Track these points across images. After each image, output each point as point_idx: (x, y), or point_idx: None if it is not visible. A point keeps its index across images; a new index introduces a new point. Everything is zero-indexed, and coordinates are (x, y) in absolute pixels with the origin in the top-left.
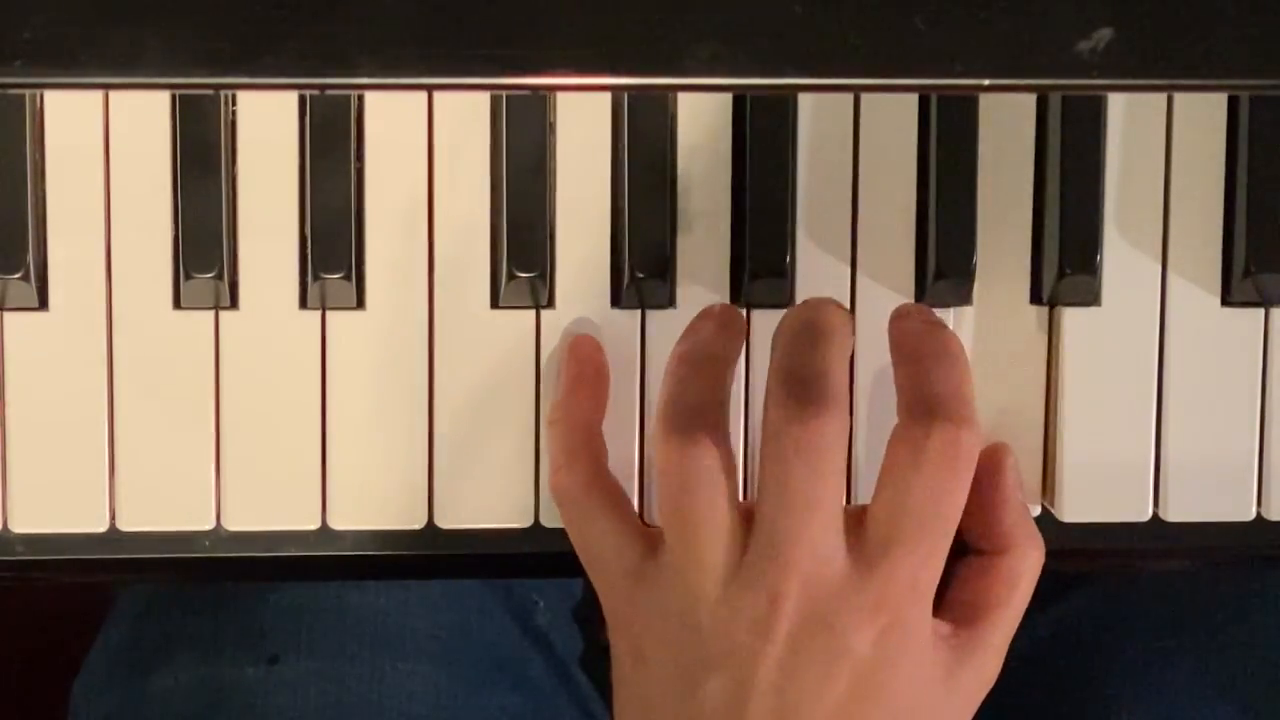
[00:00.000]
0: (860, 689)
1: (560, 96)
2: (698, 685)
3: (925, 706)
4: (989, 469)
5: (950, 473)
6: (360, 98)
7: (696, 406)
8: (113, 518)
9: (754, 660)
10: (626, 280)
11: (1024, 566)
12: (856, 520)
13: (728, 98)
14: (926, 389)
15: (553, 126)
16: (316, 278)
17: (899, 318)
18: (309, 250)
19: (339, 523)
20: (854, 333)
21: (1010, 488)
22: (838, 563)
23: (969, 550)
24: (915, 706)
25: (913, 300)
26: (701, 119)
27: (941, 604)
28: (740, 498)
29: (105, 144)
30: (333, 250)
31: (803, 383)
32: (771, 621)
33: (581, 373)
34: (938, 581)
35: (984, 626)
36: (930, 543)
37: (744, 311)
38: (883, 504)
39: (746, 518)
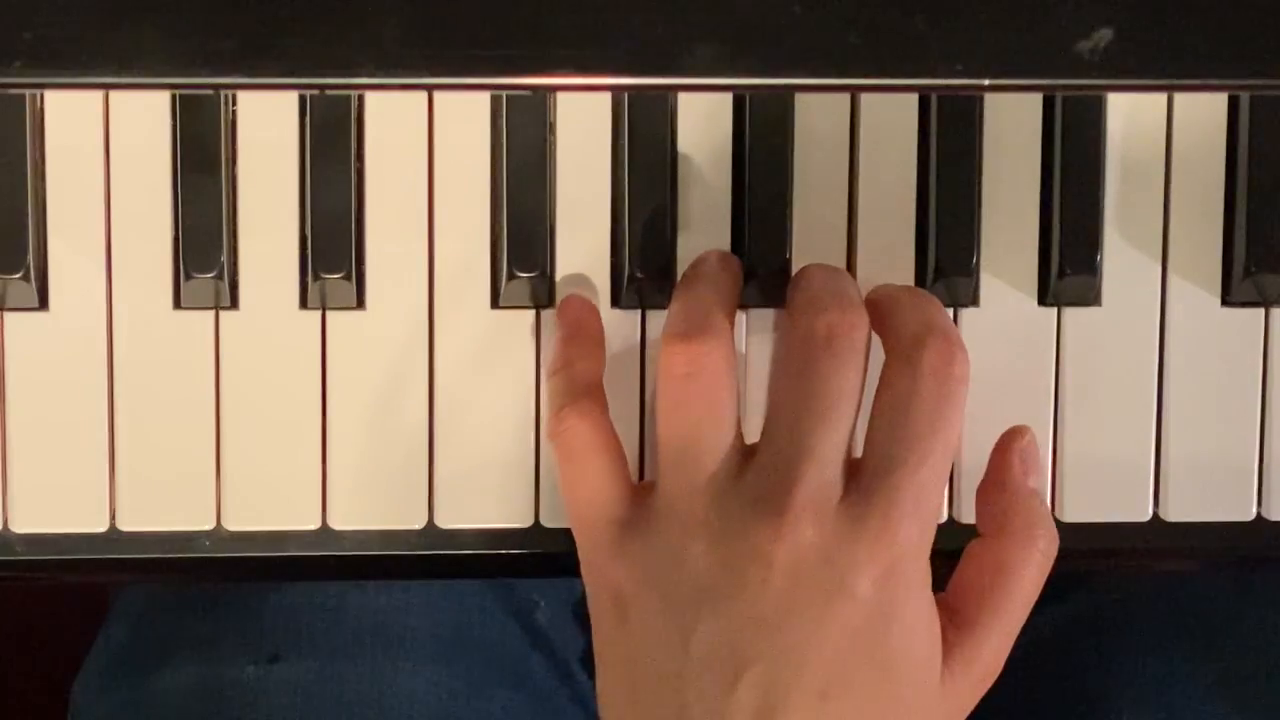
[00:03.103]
0: (858, 633)
1: (560, 96)
2: (688, 631)
3: (923, 690)
4: (997, 447)
5: (945, 389)
6: (360, 98)
7: (703, 310)
8: (113, 518)
9: (751, 594)
10: (626, 280)
11: (1017, 557)
12: (853, 463)
13: (728, 98)
14: (914, 317)
15: (553, 126)
16: (316, 278)
17: (871, 292)
18: (309, 250)
19: (339, 523)
20: None
21: (1011, 470)
22: (839, 489)
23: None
24: (912, 681)
25: None
26: (701, 119)
27: (945, 587)
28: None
29: (105, 144)
30: (333, 250)
31: (832, 293)
32: (770, 549)
33: (577, 328)
34: (936, 525)
35: (980, 615)
36: (928, 464)
37: (743, 313)
38: (879, 429)
39: (749, 451)
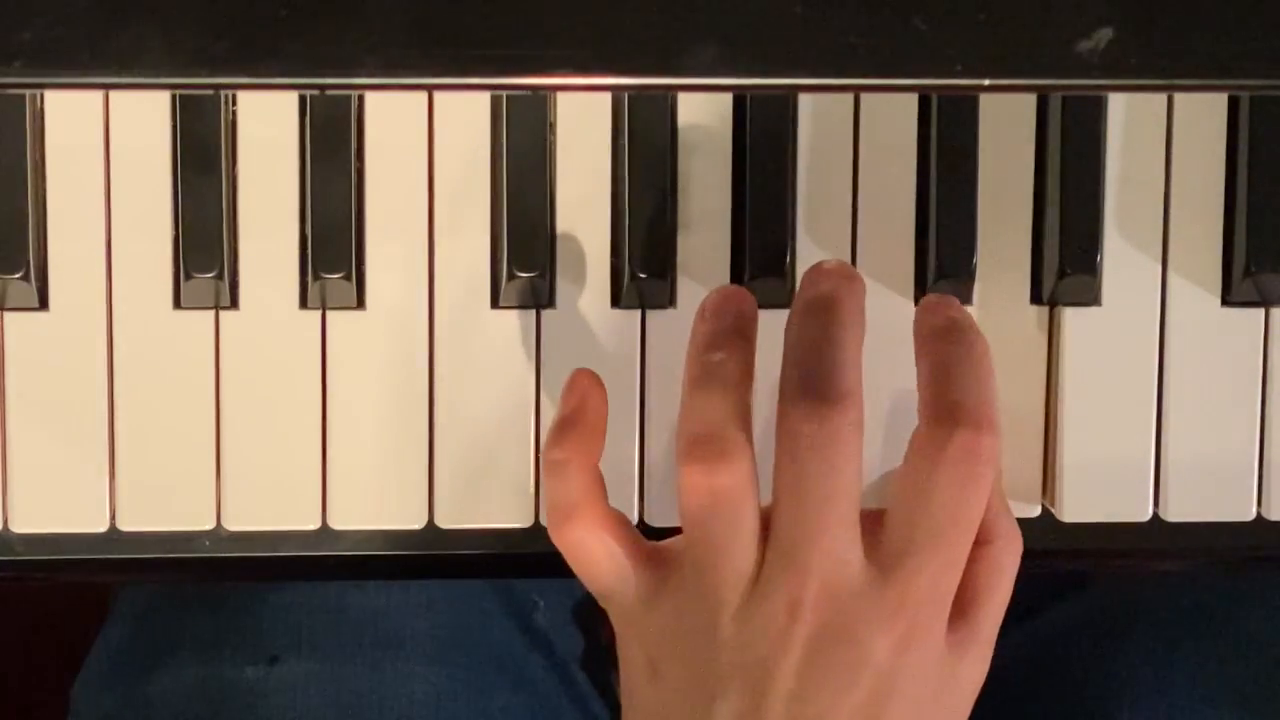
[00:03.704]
0: (878, 696)
1: (560, 96)
2: (714, 699)
3: (931, 704)
4: None
5: (970, 480)
6: (360, 98)
7: (715, 429)
8: (113, 518)
9: (772, 670)
10: (626, 280)
11: (1006, 557)
12: (874, 524)
13: (728, 98)
14: (948, 393)
15: (553, 126)
16: (316, 278)
17: (926, 310)
18: (309, 250)
19: (339, 523)
20: (864, 309)
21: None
22: (855, 567)
23: None
24: (925, 709)
25: (913, 303)
26: (701, 119)
27: None
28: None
29: (105, 144)
30: (333, 250)
31: (815, 377)
32: (789, 630)
33: (581, 408)
34: (956, 587)
35: (975, 618)
36: (949, 551)
37: None
38: (901, 511)
39: (764, 525)
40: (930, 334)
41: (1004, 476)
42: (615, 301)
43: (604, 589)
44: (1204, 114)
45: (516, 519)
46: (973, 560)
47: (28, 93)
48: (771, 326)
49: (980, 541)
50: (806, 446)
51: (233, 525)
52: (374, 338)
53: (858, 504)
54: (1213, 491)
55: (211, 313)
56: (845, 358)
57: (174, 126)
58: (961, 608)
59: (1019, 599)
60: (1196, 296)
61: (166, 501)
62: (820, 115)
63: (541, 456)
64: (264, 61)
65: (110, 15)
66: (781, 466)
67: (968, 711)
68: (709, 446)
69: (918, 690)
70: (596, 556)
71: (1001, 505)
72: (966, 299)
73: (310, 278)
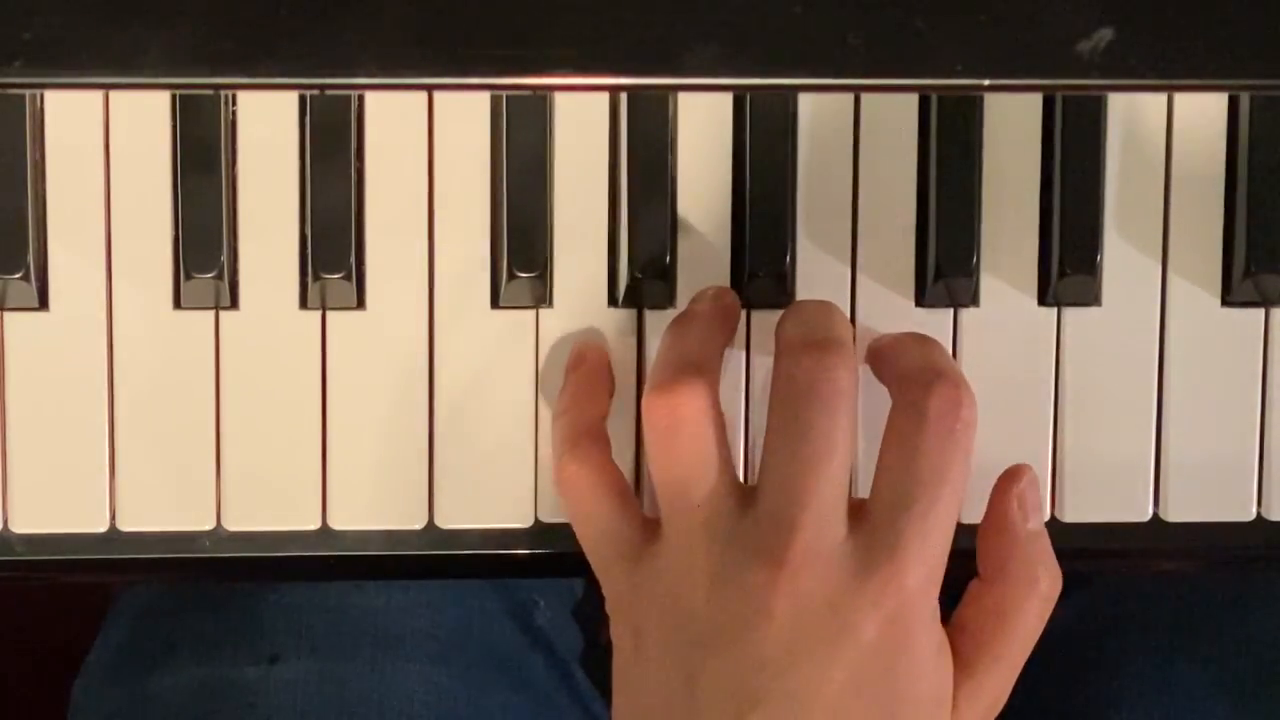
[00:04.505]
0: (866, 676)
1: (560, 96)
2: (695, 671)
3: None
4: (996, 488)
5: (951, 434)
6: (360, 98)
7: (684, 359)
8: (113, 518)
9: (754, 640)
10: (626, 280)
11: (1019, 600)
12: (858, 505)
13: (728, 98)
14: (918, 361)
15: (553, 126)
16: (316, 278)
17: (872, 343)
18: (309, 250)
19: (339, 523)
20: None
21: (1009, 514)
22: (841, 539)
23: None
24: (918, 708)
25: (913, 302)
26: (701, 119)
27: (948, 627)
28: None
29: (105, 144)
30: (333, 250)
31: (814, 326)
32: (772, 596)
33: (587, 369)
34: (943, 568)
35: (982, 656)
36: (936, 513)
37: (744, 312)
38: (886, 474)
39: (748, 494)
40: (881, 342)
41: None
42: (615, 301)
43: (594, 535)
44: (1204, 114)
45: (516, 519)
46: (983, 593)
47: (28, 93)
48: (770, 326)
49: (992, 579)
50: (804, 387)
51: (233, 525)
52: (374, 338)
53: (849, 467)
54: (1213, 491)
55: (211, 313)
56: (843, 320)
57: (174, 126)
58: (972, 640)
59: None
60: (1196, 296)
61: (166, 501)
62: (820, 115)
63: (543, 423)
64: (264, 61)
65: (110, 15)
66: (776, 409)
67: None
68: (671, 375)
69: (910, 682)
70: (588, 496)
71: (1025, 545)
72: (967, 299)
73: (310, 278)
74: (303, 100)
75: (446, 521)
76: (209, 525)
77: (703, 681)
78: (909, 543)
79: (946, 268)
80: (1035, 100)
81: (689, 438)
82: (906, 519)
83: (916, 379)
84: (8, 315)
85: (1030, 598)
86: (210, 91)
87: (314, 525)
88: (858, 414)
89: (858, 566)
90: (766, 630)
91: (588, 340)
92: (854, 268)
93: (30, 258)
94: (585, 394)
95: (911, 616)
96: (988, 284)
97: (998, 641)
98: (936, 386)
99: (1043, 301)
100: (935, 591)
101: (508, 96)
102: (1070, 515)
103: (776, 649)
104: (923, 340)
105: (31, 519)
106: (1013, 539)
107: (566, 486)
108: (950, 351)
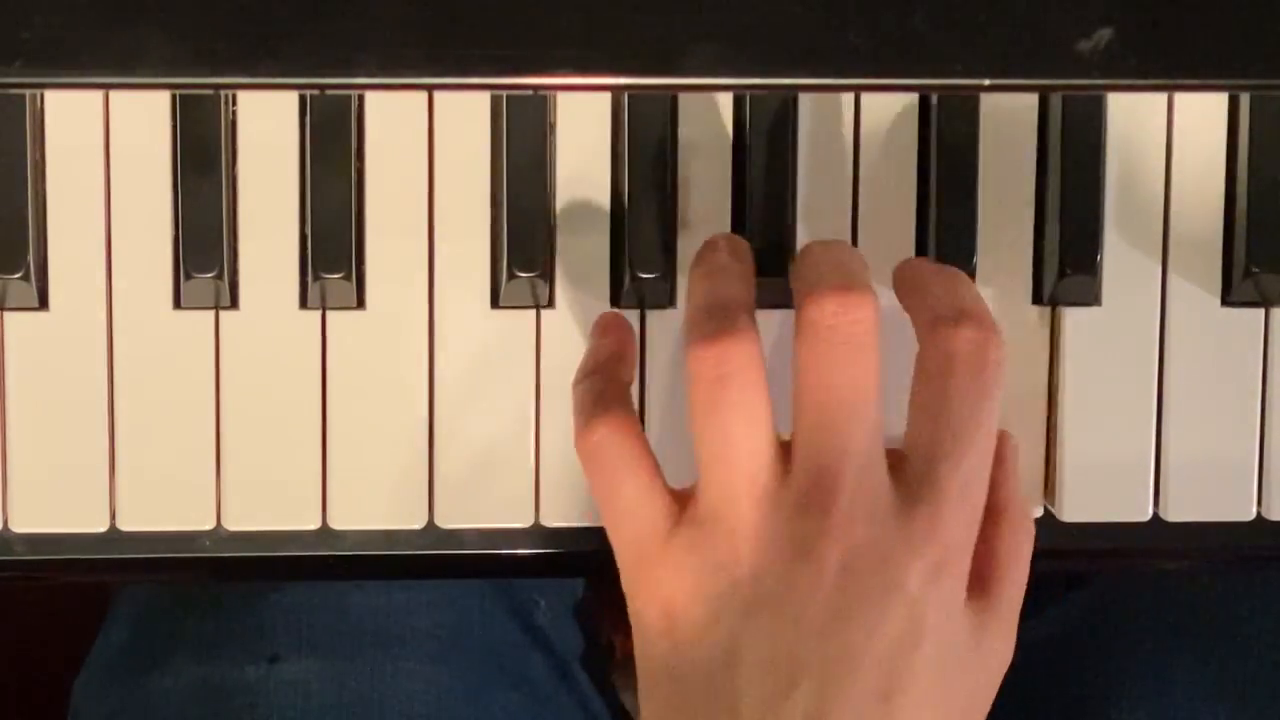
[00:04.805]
0: (911, 634)
1: (560, 96)
2: (740, 639)
3: (960, 662)
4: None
5: (980, 378)
6: (360, 98)
7: (725, 306)
8: (113, 518)
9: (803, 597)
10: (626, 280)
11: (1020, 537)
12: (896, 454)
13: (728, 98)
14: (945, 300)
15: (553, 126)
16: (316, 278)
17: (901, 264)
18: (309, 250)
19: (339, 523)
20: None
21: (1005, 457)
22: (883, 486)
23: None
24: (956, 664)
25: None
26: (701, 119)
27: None
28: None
29: (105, 144)
30: (333, 250)
31: (838, 272)
32: (820, 550)
33: (613, 337)
34: (981, 512)
35: (995, 591)
36: (973, 453)
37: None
38: (918, 421)
39: (785, 449)
40: (906, 267)
41: (1017, 453)
42: (615, 301)
43: (621, 507)
44: (1204, 114)
45: (516, 519)
46: (987, 533)
47: (28, 93)
48: (771, 326)
49: (994, 513)
50: (827, 335)
51: (233, 525)
52: (374, 338)
53: (882, 409)
54: (1213, 491)
55: (211, 313)
56: (858, 258)
57: (174, 126)
58: (981, 579)
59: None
60: (1196, 296)
61: (166, 501)
62: (820, 115)
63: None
64: (264, 61)
65: (110, 15)
66: (802, 359)
67: (991, 693)
68: (718, 323)
69: (947, 638)
70: (618, 464)
71: (1016, 481)
72: None
73: (310, 278)
74: (303, 100)
75: (446, 521)
76: (209, 525)
77: (748, 651)
78: (949, 490)
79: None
80: (1035, 100)
81: (739, 388)
82: (943, 469)
83: (942, 319)
84: (8, 315)
85: (1031, 531)
86: (210, 91)
87: (314, 525)
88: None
89: (901, 515)
90: (816, 586)
91: (608, 312)
92: None
93: (30, 258)
94: (610, 359)
95: (952, 567)
96: (987, 284)
97: (1009, 573)
98: (962, 328)
99: (1043, 301)
100: (974, 537)
101: (508, 96)
102: (1070, 515)
103: (826, 608)
104: (948, 275)
105: (31, 519)
106: (1011, 477)
107: (592, 454)
108: None
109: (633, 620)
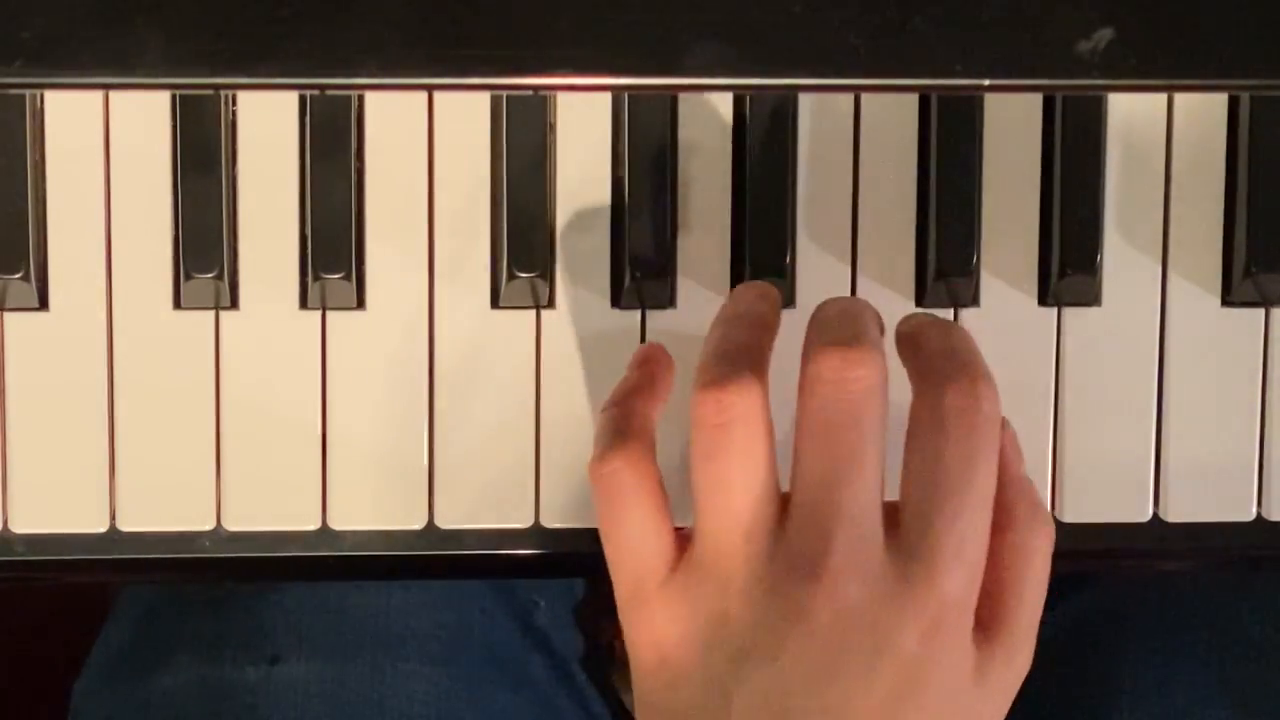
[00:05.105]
0: (903, 689)
1: (560, 96)
2: (731, 688)
3: (962, 706)
4: None
5: (973, 432)
6: (360, 98)
7: (737, 352)
8: (113, 518)
9: (794, 653)
10: (626, 280)
11: (1030, 545)
12: (892, 508)
13: (728, 98)
14: (938, 354)
15: (553, 126)
16: (316, 278)
17: (903, 320)
18: (309, 250)
19: (339, 523)
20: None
21: (1009, 463)
22: (878, 546)
23: None
24: (953, 707)
25: (914, 302)
26: (701, 119)
27: None
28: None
29: (105, 144)
30: (333, 250)
31: (843, 329)
32: (811, 610)
33: (649, 368)
34: (982, 564)
35: (1002, 613)
36: (969, 513)
37: None
38: (912, 477)
39: (785, 502)
40: (905, 325)
41: (1021, 456)
42: (615, 301)
43: (622, 542)
44: (1204, 114)
45: (516, 519)
46: (995, 549)
47: (28, 93)
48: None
49: (1001, 528)
50: (830, 399)
51: (233, 525)
52: (374, 338)
53: (881, 474)
54: (1213, 491)
55: (211, 313)
56: (871, 325)
57: (174, 126)
58: (989, 600)
59: None
60: (1196, 296)
61: (166, 501)
62: (820, 115)
63: (542, 425)
64: (264, 61)
65: (110, 15)
66: (803, 420)
67: (1004, 709)
68: (726, 369)
69: (945, 685)
70: (626, 499)
71: (1024, 488)
72: (967, 299)
73: (310, 278)
74: (303, 100)
75: (446, 521)
76: (209, 525)
77: (739, 700)
78: (944, 550)
79: (946, 268)
80: (1035, 100)
81: (741, 437)
82: (938, 527)
83: (936, 372)
84: (8, 315)
85: (1046, 534)
86: (210, 91)
87: (314, 525)
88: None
89: (896, 576)
90: (807, 644)
91: (652, 344)
92: (854, 268)
93: (30, 258)
94: (641, 392)
95: (951, 623)
96: (988, 284)
97: (1019, 590)
98: (955, 381)
99: (1043, 301)
100: (975, 591)
101: (508, 96)
102: (1070, 515)
103: (816, 664)
104: (944, 327)
105: (31, 519)
106: (1016, 484)
107: (604, 484)
108: None
109: (628, 650)
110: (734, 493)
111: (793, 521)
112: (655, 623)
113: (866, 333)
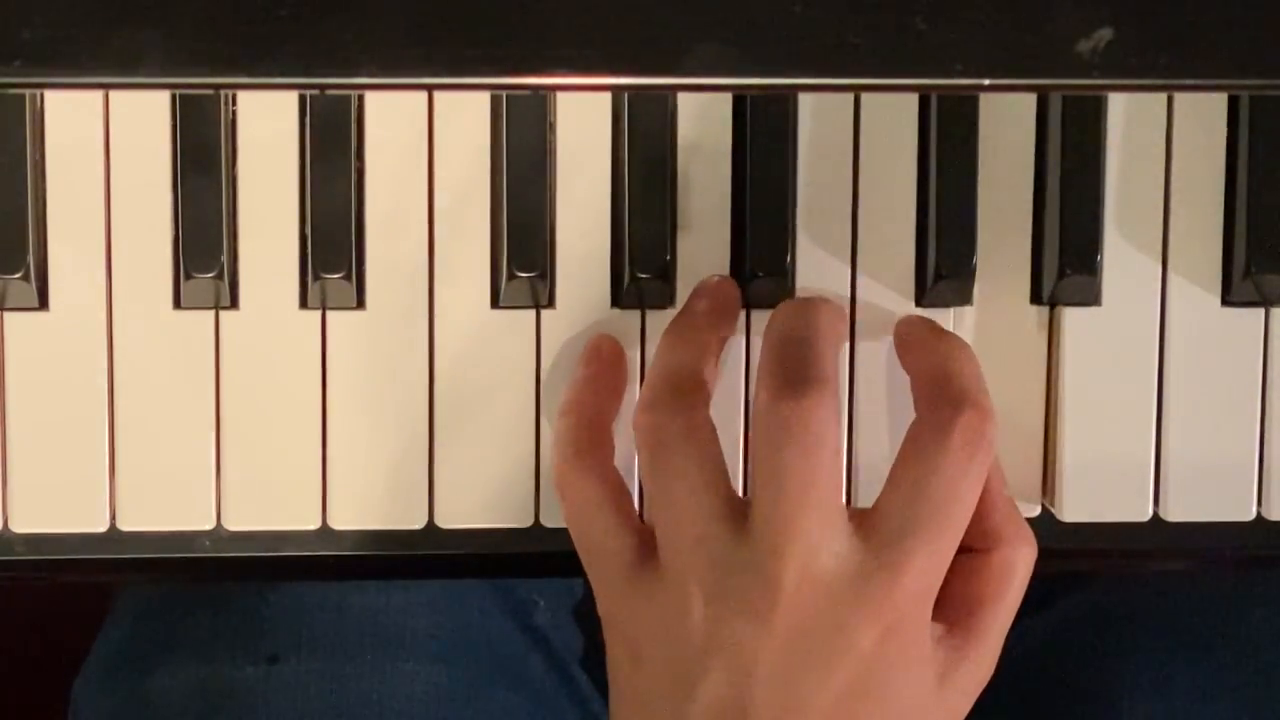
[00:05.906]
0: (860, 686)
1: (560, 96)
2: (696, 682)
3: (920, 708)
4: None
5: (973, 461)
6: (360, 98)
7: (677, 372)
8: (113, 518)
9: (752, 652)
10: (626, 280)
11: (1014, 563)
12: (866, 514)
13: (728, 98)
14: (948, 377)
15: (553, 126)
16: (316, 278)
17: (903, 321)
18: (309, 250)
19: (339, 523)
20: (846, 322)
21: (994, 484)
22: (840, 553)
23: (960, 550)
24: (911, 707)
25: (913, 302)
26: (701, 119)
27: (935, 604)
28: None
29: (105, 144)
30: (333, 250)
31: (792, 363)
32: (768, 612)
33: (599, 368)
34: (943, 577)
35: (977, 625)
36: (947, 534)
37: (744, 312)
38: (898, 495)
39: (743, 511)
40: (917, 337)
41: (1004, 477)
42: (615, 301)
43: (589, 546)
44: (1204, 114)
45: (516, 519)
46: (978, 568)
47: (28, 93)
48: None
49: (988, 546)
50: (782, 430)
51: (233, 525)
52: (374, 338)
53: (839, 490)
54: (1213, 491)
55: (211, 313)
56: (823, 349)
57: (174, 126)
58: (966, 610)
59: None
60: (1196, 296)
61: (166, 501)
62: (820, 115)
63: (544, 423)
64: (264, 61)
65: (110, 15)
66: (758, 452)
67: (963, 714)
68: (661, 391)
69: (903, 686)
70: (586, 507)
71: (1010, 508)
72: (966, 299)
73: (310, 278)
74: (303, 100)
75: (446, 521)
76: (209, 525)
77: (701, 695)
78: (916, 562)
79: (946, 268)
80: (1035, 100)
81: (680, 457)
82: (916, 541)
83: (943, 398)
84: (8, 315)
85: (1026, 560)
86: (210, 91)
87: (314, 525)
88: (843, 442)
89: (860, 580)
90: (766, 645)
91: (602, 336)
92: (854, 268)
93: (30, 258)
94: (593, 393)
95: (910, 625)
96: (987, 284)
97: (997, 606)
98: (964, 414)
99: (1043, 301)
100: (934, 595)
101: (508, 96)
102: (1070, 515)
103: (775, 663)
104: (951, 348)
105: (31, 519)
106: (1003, 506)
107: (564, 492)
108: None
109: (607, 645)
110: (680, 507)
111: (752, 526)
112: (626, 622)
113: (815, 363)
